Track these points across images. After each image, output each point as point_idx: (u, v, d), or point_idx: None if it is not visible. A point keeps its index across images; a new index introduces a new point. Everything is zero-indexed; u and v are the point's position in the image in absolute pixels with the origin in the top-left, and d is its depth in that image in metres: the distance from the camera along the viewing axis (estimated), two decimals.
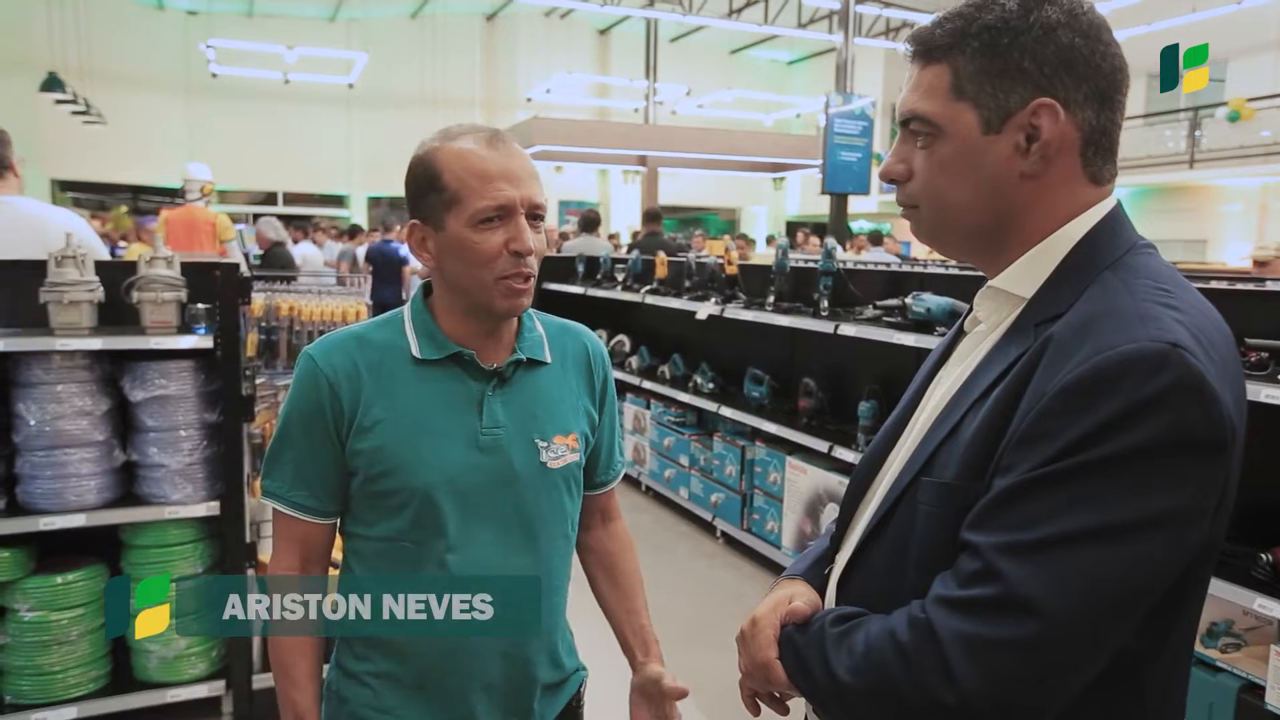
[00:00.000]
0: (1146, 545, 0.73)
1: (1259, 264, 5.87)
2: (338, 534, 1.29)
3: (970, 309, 0.97)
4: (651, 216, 8.41)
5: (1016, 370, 0.82)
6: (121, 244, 10.05)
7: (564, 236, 10.45)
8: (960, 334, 1.00)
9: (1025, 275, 0.88)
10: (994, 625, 0.74)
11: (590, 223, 7.90)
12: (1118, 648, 0.78)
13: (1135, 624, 0.77)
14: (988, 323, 0.93)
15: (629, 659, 1.39)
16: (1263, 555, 2.14)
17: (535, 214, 1.18)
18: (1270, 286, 2.90)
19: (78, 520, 2.46)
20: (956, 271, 3.87)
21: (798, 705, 0.99)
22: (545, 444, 1.25)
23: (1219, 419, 0.74)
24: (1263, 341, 2.23)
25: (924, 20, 0.91)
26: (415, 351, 1.22)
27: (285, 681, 1.23)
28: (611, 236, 13.47)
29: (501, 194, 1.15)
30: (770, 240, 13.13)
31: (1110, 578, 0.73)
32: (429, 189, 1.17)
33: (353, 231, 11.00)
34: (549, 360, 1.29)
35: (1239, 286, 2.87)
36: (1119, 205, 0.90)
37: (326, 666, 1.29)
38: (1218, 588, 2.13)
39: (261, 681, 2.72)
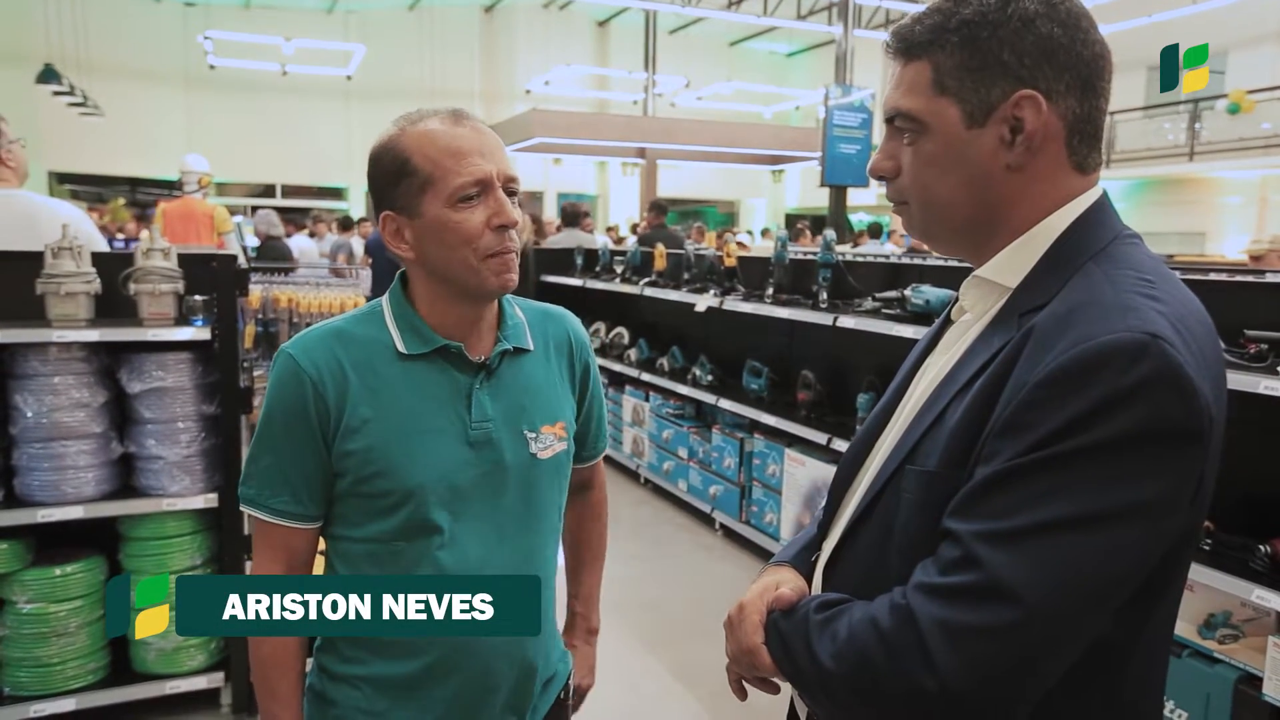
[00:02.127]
0: (1124, 534, 0.74)
1: (1254, 258, 5.86)
2: (321, 536, 1.26)
3: (956, 298, 0.97)
4: (657, 209, 8.32)
5: (999, 360, 0.82)
6: (119, 236, 10.02)
7: (560, 229, 10.41)
8: (947, 323, 1.00)
9: (1010, 265, 0.89)
10: (973, 612, 0.75)
11: (572, 216, 7.70)
12: (1097, 635, 0.79)
13: (1113, 611, 0.78)
14: (973, 312, 0.94)
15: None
16: (1261, 547, 2.14)
17: (510, 188, 1.15)
18: (1270, 278, 2.89)
19: (75, 512, 2.46)
20: (955, 264, 3.86)
21: (782, 694, 1.00)
22: (534, 435, 1.24)
23: (1196, 410, 0.74)
24: (1262, 333, 2.23)
25: (914, 12, 0.91)
26: (400, 346, 1.18)
27: (269, 698, 1.21)
28: (610, 229, 13.40)
29: (478, 168, 1.12)
30: (766, 233, 13.11)
31: (1088, 565, 0.74)
32: (399, 175, 1.13)
33: (345, 223, 10.93)
34: (532, 348, 1.27)
35: (1238, 278, 2.87)
36: (1104, 195, 0.90)
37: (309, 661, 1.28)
38: (1216, 579, 2.13)
39: None
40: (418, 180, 1.12)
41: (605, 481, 1.54)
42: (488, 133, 1.16)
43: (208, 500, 2.61)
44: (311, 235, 10.50)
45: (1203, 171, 13.80)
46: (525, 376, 1.26)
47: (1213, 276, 3.02)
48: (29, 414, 2.42)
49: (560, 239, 7.30)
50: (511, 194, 1.15)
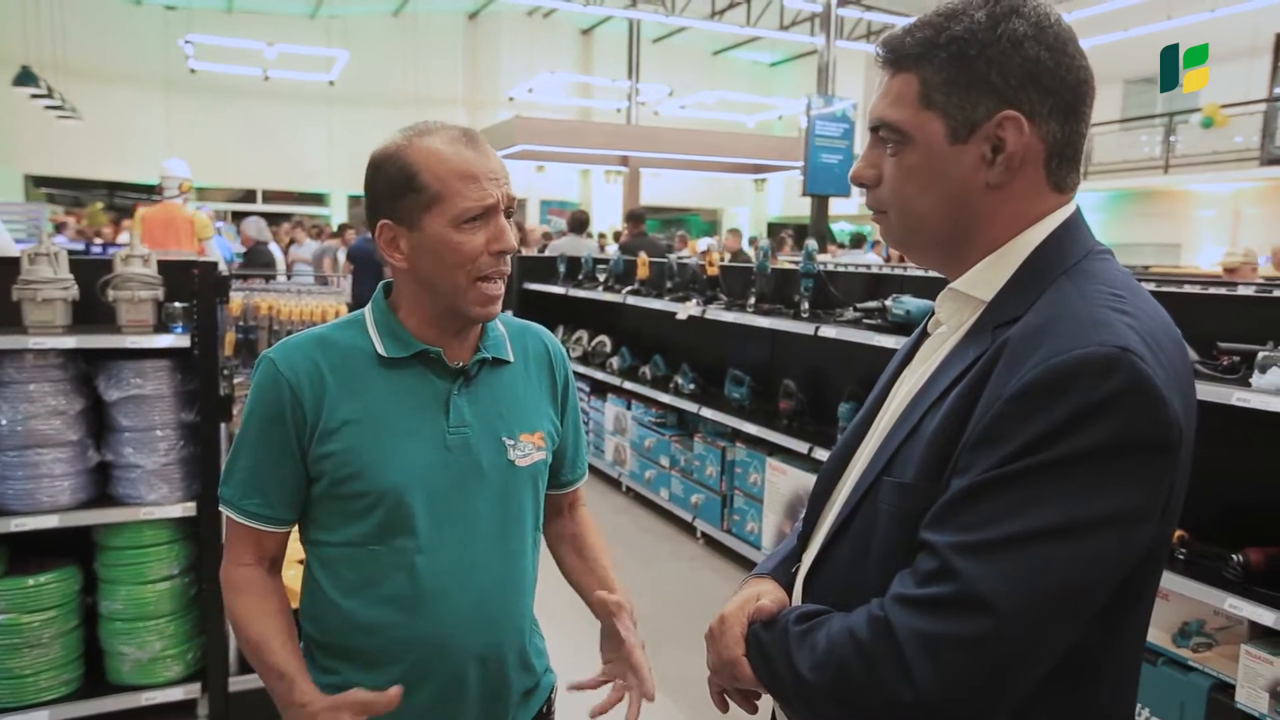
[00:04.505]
0: (1097, 544, 0.76)
1: (1228, 270, 5.95)
2: (300, 542, 1.27)
3: (933, 311, 0.99)
4: (635, 218, 8.44)
5: (974, 372, 0.84)
6: (96, 241, 9.91)
7: (547, 237, 10.45)
8: (924, 335, 1.02)
9: (985, 279, 0.90)
10: (950, 623, 0.76)
11: (579, 224, 7.92)
12: (1071, 643, 0.80)
13: (1087, 620, 0.80)
14: (949, 324, 0.95)
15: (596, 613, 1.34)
16: (1234, 556, 2.17)
17: (509, 211, 1.19)
18: (1242, 291, 2.93)
19: (50, 521, 2.42)
20: (936, 274, 3.91)
21: (765, 702, 1.00)
22: (512, 442, 1.25)
23: (1166, 421, 0.76)
24: (1235, 345, 2.26)
25: (905, 24, 0.92)
26: (380, 350, 1.20)
27: (261, 653, 1.17)
28: (601, 236, 13.42)
29: (486, 194, 1.14)
30: (753, 242, 13.15)
31: (1062, 575, 0.76)
32: (405, 189, 1.15)
33: (322, 230, 10.92)
34: (512, 359, 1.29)
35: (1212, 291, 2.90)
36: (1078, 211, 0.91)
37: None
38: (1190, 588, 2.15)
39: (238, 684, 2.70)
40: (424, 197, 1.14)
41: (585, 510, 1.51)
42: (494, 156, 1.18)
43: (185, 509, 2.58)
44: (292, 243, 10.45)
45: (1177, 184, 14.00)
46: (504, 386, 1.27)
47: (1187, 289, 3.06)
48: (3, 421, 2.39)
49: (562, 245, 7.38)
50: (509, 214, 1.18)
